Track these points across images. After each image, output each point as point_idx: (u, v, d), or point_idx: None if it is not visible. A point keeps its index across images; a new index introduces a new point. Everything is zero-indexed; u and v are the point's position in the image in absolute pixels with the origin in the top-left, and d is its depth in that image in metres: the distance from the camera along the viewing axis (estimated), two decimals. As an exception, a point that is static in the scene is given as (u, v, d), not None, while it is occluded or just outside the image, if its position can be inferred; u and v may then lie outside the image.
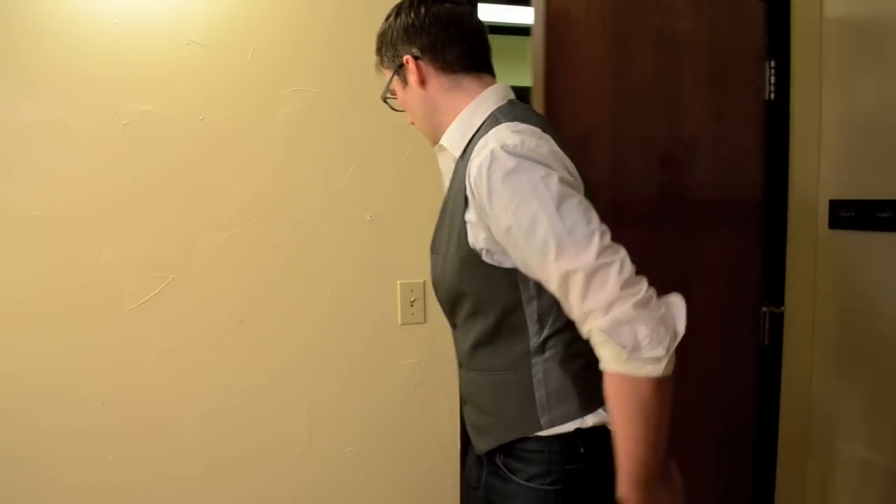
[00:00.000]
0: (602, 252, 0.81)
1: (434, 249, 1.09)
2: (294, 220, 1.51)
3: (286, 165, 1.50)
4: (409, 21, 1.04)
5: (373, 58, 1.56)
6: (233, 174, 1.46)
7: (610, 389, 0.86)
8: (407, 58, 1.04)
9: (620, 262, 0.82)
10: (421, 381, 1.63)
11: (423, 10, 1.04)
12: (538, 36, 1.57)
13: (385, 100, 1.12)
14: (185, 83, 1.42)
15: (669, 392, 0.85)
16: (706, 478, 1.94)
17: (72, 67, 1.34)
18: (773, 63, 1.86)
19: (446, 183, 1.07)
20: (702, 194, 1.82)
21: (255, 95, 1.47)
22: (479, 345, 1.03)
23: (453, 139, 1.02)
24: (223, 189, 1.46)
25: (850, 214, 1.83)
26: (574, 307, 0.84)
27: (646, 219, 1.74)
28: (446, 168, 1.08)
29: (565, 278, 0.82)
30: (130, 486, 1.43)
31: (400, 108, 1.12)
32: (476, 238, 0.94)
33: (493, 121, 0.97)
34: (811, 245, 1.95)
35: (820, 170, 1.93)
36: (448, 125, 1.04)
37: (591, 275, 0.80)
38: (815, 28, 1.91)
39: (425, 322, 1.62)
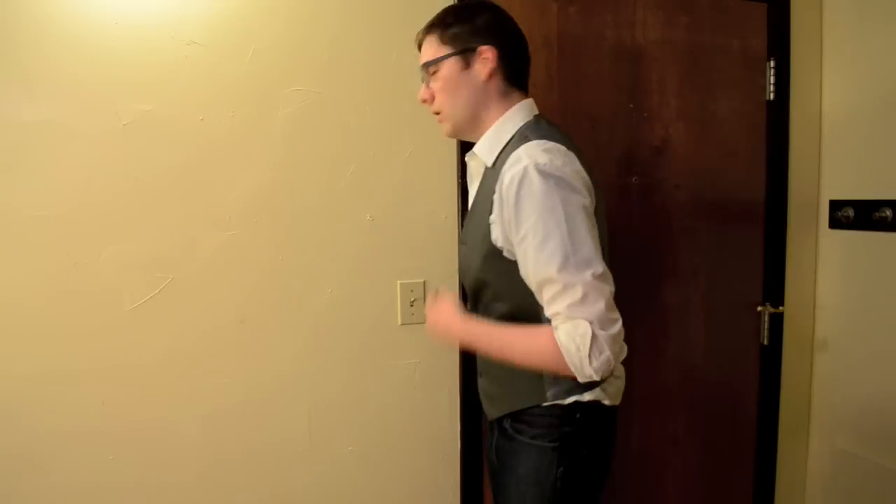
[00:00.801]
0: (597, 276, 0.98)
1: (463, 241, 1.23)
2: (294, 220, 1.51)
3: (286, 165, 1.50)
4: (500, 23, 1.16)
5: (376, 56, 1.56)
6: (233, 174, 1.46)
7: (542, 343, 1.01)
8: (487, 48, 1.13)
9: (610, 292, 1.00)
10: (421, 381, 1.63)
11: (511, 22, 1.18)
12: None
13: (425, 67, 1.17)
14: (186, 83, 1.41)
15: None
16: (707, 477, 1.94)
17: (72, 67, 1.34)
18: (773, 63, 1.86)
19: (476, 183, 1.21)
20: (682, 194, 1.81)
21: (255, 95, 1.46)
22: (498, 319, 1.15)
23: (485, 149, 1.15)
24: (223, 189, 1.46)
25: (849, 214, 1.83)
26: (560, 309, 0.99)
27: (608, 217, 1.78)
28: (476, 171, 1.22)
29: (565, 288, 0.98)
30: (131, 486, 1.43)
31: (431, 83, 1.17)
32: (497, 237, 1.07)
33: (521, 137, 1.10)
34: (811, 245, 1.95)
35: (820, 170, 1.94)
36: (485, 124, 1.16)
37: (587, 291, 0.97)
38: (815, 28, 1.91)
39: (425, 322, 1.62)
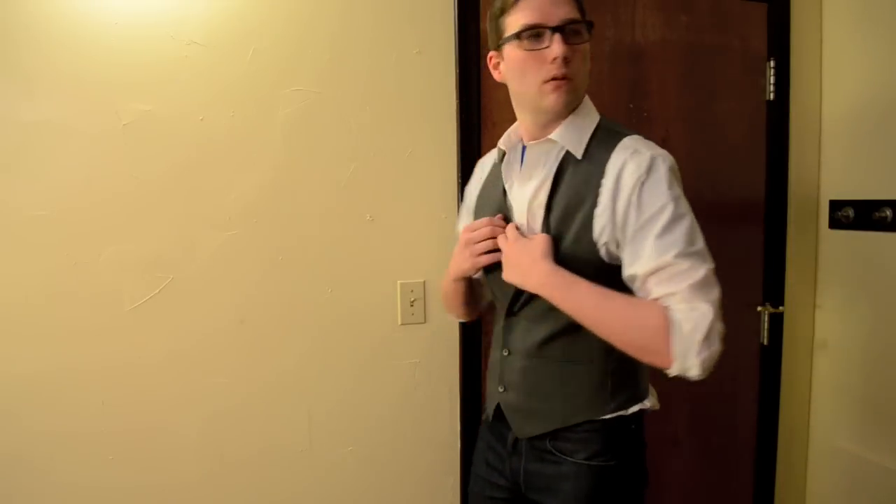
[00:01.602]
0: (713, 271, 0.95)
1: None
2: (294, 220, 1.51)
3: (286, 165, 1.50)
4: None
5: (376, 56, 1.55)
6: (233, 174, 1.46)
7: (649, 313, 0.94)
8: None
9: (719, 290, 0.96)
10: (421, 381, 1.63)
11: None
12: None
13: (585, 24, 1.04)
14: (186, 83, 1.41)
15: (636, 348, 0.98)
16: (707, 477, 1.94)
17: (72, 67, 1.34)
18: (773, 63, 1.86)
19: (537, 173, 1.09)
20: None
21: (255, 95, 1.46)
22: (556, 335, 1.09)
23: (572, 139, 1.06)
24: (223, 189, 1.46)
25: (849, 214, 1.83)
26: (679, 289, 0.93)
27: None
28: (536, 160, 1.10)
29: (689, 269, 0.93)
30: (131, 486, 1.43)
31: (581, 41, 1.04)
32: (600, 231, 1.01)
33: (610, 131, 1.07)
34: (811, 245, 1.95)
35: (820, 170, 1.94)
36: (580, 102, 1.08)
37: (707, 278, 0.93)
38: (815, 28, 1.91)
39: (425, 322, 1.62)
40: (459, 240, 1.17)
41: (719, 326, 0.91)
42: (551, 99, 1.04)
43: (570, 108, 1.06)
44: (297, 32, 1.49)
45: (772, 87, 1.87)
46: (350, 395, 1.58)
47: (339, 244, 1.55)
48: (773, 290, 1.92)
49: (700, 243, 0.96)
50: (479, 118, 1.62)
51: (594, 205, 1.01)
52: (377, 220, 1.57)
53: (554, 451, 1.10)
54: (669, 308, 0.93)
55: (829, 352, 1.93)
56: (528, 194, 1.10)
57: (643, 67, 1.76)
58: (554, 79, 1.02)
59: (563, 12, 1.01)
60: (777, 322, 1.92)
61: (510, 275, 1.07)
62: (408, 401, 1.63)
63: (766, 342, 1.92)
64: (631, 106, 1.75)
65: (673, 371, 0.93)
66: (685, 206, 0.99)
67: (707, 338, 0.90)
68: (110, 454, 1.42)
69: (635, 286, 0.99)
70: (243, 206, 1.47)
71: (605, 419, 1.08)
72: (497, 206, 1.17)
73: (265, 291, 1.50)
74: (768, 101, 1.88)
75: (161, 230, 1.42)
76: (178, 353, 1.45)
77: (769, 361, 1.94)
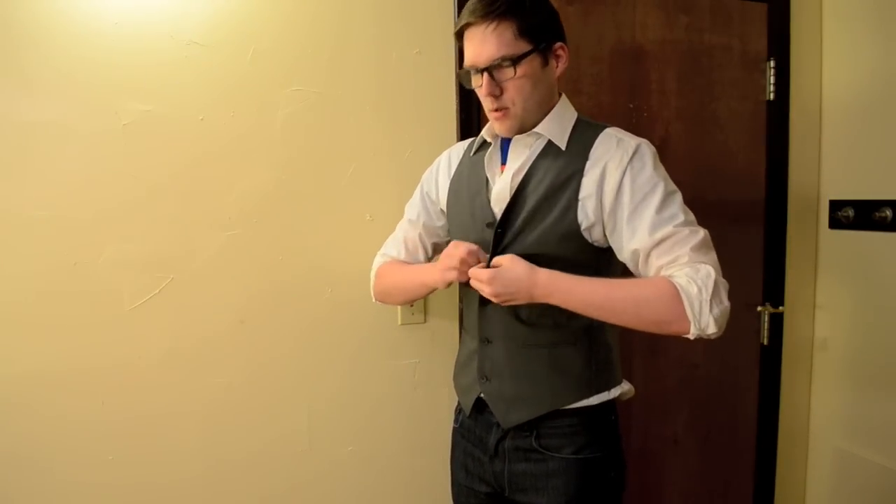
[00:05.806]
0: (708, 235, 1.04)
1: (503, 226, 1.13)
2: (294, 219, 1.51)
3: (286, 165, 1.50)
4: (554, 14, 1.11)
5: (376, 56, 1.54)
6: (233, 174, 1.46)
7: (658, 286, 0.99)
8: (560, 45, 1.10)
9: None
10: (421, 381, 1.63)
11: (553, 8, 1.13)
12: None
13: (511, 61, 1.04)
14: (185, 83, 1.41)
15: (657, 322, 1.01)
16: (707, 477, 1.94)
17: (72, 67, 1.34)
18: (773, 63, 1.86)
19: (518, 161, 1.13)
20: (682, 194, 1.81)
21: (255, 95, 1.46)
22: (538, 318, 1.12)
23: (555, 131, 1.12)
24: (223, 189, 1.46)
25: (849, 214, 1.83)
26: (683, 252, 1.00)
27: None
28: (519, 153, 1.14)
29: (690, 234, 1.01)
30: (130, 486, 1.43)
31: (507, 78, 1.05)
32: (586, 214, 1.06)
33: (588, 123, 1.14)
34: (811, 245, 1.95)
35: (820, 170, 1.94)
36: (545, 113, 1.12)
37: (705, 240, 1.02)
38: (815, 28, 1.91)
39: (425, 322, 1.63)
40: (453, 254, 1.13)
41: (723, 282, 0.98)
42: (497, 126, 1.13)
43: (516, 132, 1.12)
44: (298, 32, 1.49)
45: (772, 87, 1.87)
46: (350, 395, 1.58)
47: (339, 244, 1.55)
48: (773, 290, 1.92)
49: (692, 214, 1.05)
50: (478, 118, 1.62)
51: (578, 188, 1.07)
52: (377, 220, 1.57)
53: (540, 448, 1.12)
54: (673, 276, 0.99)
55: (829, 352, 1.93)
56: (507, 180, 1.14)
57: (643, 67, 1.76)
58: (494, 110, 1.10)
59: (489, 52, 1.04)
60: (777, 322, 1.92)
61: (510, 304, 1.08)
62: (408, 401, 1.63)
63: (766, 342, 1.92)
64: (631, 106, 1.75)
65: (692, 334, 0.98)
66: (673, 184, 1.07)
67: (715, 294, 0.96)
68: (110, 454, 1.42)
69: (638, 260, 1.04)
70: (243, 206, 1.47)
71: (588, 412, 1.12)
72: (477, 195, 1.19)
73: (265, 291, 1.50)
74: (768, 101, 1.88)
75: (161, 230, 1.42)
76: (178, 352, 1.45)
77: (769, 361, 1.94)
